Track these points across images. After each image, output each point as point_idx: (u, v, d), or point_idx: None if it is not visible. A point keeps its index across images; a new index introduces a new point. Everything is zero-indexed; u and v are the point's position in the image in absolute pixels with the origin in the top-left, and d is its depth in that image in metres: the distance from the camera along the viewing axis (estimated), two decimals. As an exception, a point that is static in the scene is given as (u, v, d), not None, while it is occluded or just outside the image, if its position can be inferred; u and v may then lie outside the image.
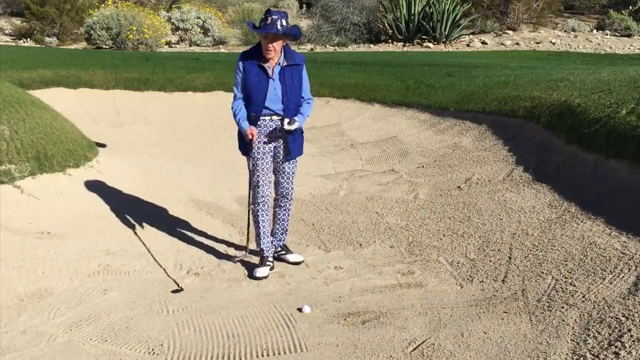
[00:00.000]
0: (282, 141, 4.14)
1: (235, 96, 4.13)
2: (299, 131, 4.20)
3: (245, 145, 4.16)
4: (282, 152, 4.17)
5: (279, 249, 4.44)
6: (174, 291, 3.96)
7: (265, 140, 4.11)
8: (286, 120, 4.03)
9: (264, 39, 3.95)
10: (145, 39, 17.93)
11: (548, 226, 4.35)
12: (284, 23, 3.90)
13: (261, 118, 4.08)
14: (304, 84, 4.15)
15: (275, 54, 3.97)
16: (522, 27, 21.19)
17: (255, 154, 4.13)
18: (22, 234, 4.45)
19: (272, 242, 4.38)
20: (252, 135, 4.04)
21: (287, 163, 4.21)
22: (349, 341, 3.25)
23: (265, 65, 4.01)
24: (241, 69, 4.05)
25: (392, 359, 3.07)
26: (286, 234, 4.48)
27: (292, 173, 4.28)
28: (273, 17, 3.89)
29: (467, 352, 3.05)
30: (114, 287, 3.97)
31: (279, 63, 4.03)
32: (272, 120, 4.10)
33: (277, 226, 4.42)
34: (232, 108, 4.12)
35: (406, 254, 4.43)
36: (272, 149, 4.16)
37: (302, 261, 4.38)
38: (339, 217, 5.26)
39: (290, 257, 4.41)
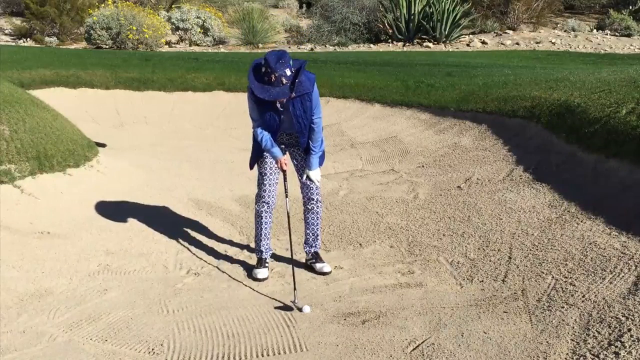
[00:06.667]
0: (298, 149, 4.10)
1: (253, 122, 3.96)
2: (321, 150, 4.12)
3: (256, 159, 4.12)
4: (300, 160, 4.14)
5: (310, 256, 4.30)
6: (280, 307, 3.73)
7: (281, 146, 4.07)
8: (309, 174, 4.05)
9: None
10: (145, 38, 17.93)
11: (548, 226, 4.35)
12: (288, 72, 3.59)
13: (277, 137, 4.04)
14: (314, 106, 3.88)
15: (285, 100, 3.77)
16: (522, 27, 21.20)
17: (266, 155, 4.07)
18: (22, 234, 4.45)
19: (304, 249, 4.33)
20: (285, 165, 3.98)
21: (309, 171, 4.12)
22: (349, 341, 3.26)
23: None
24: (252, 99, 3.84)
25: (392, 359, 3.07)
26: (318, 239, 4.30)
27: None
28: (276, 74, 3.55)
29: (467, 352, 3.05)
30: (114, 287, 3.97)
31: None
32: (287, 136, 4.06)
33: (308, 232, 4.27)
34: (255, 134, 3.97)
35: (406, 254, 4.43)
36: (284, 151, 4.10)
37: (330, 272, 4.20)
38: (339, 217, 5.26)
39: (318, 267, 4.22)
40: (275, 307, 3.73)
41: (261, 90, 3.64)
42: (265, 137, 3.93)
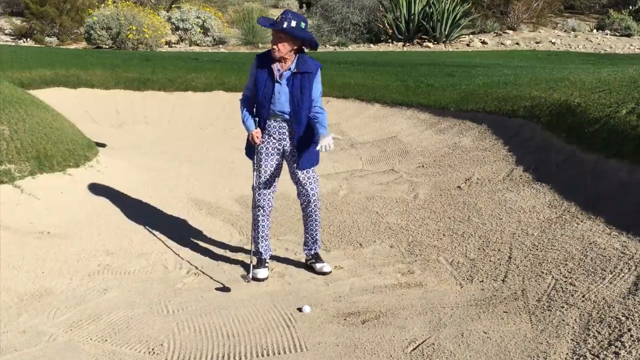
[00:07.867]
0: (291, 146, 4.06)
1: (244, 93, 4.12)
2: (313, 142, 3.99)
3: (251, 148, 4.11)
4: (291, 159, 4.09)
5: (310, 257, 4.31)
6: (219, 289, 4.01)
7: (273, 141, 4.06)
8: (322, 139, 3.87)
9: (272, 38, 3.93)
10: (145, 38, 17.92)
11: (548, 226, 4.35)
12: (293, 24, 3.81)
13: (268, 121, 4.02)
14: (314, 91, 3.96)
15: (279, 54, 3.86)
16: (522, 26, 21.19)
17: (260, 153, 4.06)
18: (22, 234, 4.45)
19: (304, 250, 4.33)
20: (257, 138, 3.99)
21: (300, 171, 4.08)
22: (349, 341, 3.26)
23: (275, 68, 3.93)
24: (254, 69, 4.02)
25: (392, 359, 3.07)
26: (317, 243, 4.29)
27: (310, 181, 4.11)
28: (284, 16, 3.86)
29: (467, 352, 3.05)
30: (114, 287, 3.97)
31: (290, 69, 3.93)
32: (280, 125, 4.02)
33: (308, 235, 4.27)
34: (240, 105, 4.13)
35: (406, 254, 4.43)
36: (279, 151, 4.08)
37: (330, 271, 4.21)
38: (339, 217, 5.26)
39: (318, 267, 4.24)
40: (216, 288, 3.99)
41: (266, 21, 3.97)
42: (245, 111, 4.09)
